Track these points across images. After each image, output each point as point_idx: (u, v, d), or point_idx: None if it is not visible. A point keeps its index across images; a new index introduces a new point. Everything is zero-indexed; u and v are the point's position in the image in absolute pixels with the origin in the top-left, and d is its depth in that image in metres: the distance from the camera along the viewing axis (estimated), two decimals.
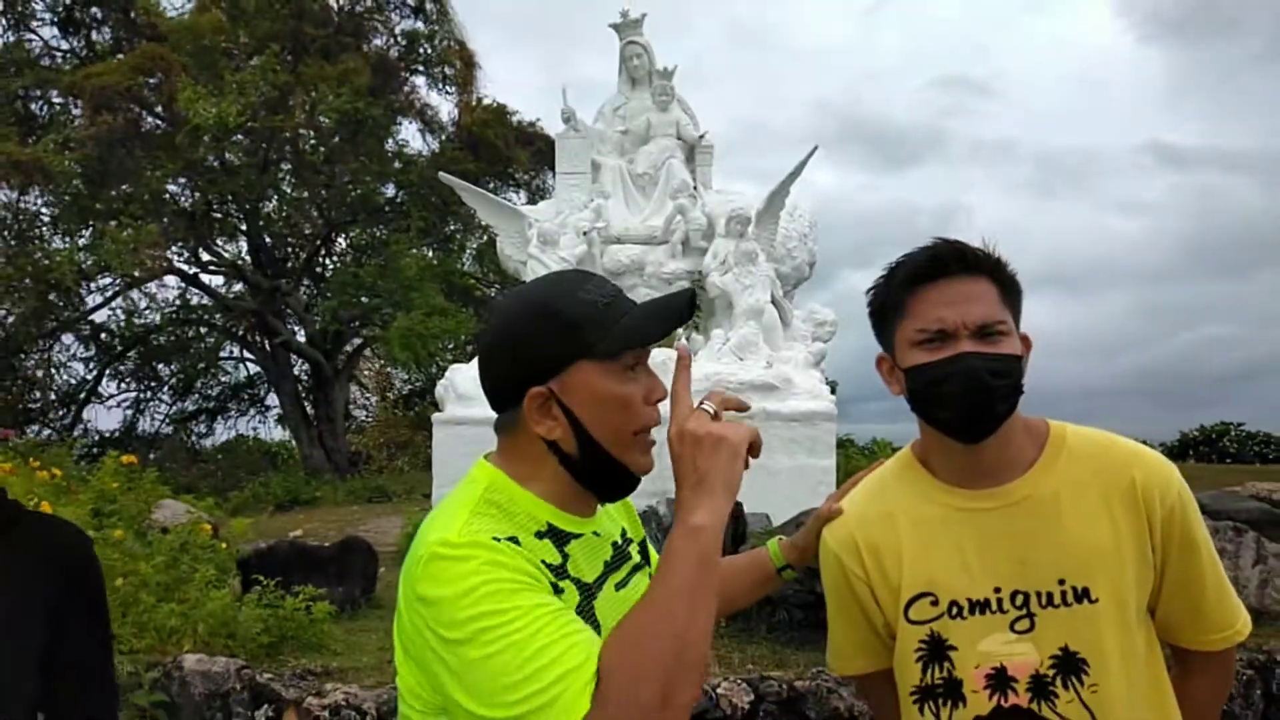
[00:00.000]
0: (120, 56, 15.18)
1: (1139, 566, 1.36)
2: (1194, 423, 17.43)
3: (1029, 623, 1.37)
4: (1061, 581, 1.36)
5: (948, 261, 1.37)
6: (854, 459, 9.89)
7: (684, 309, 1.23)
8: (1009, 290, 1.40)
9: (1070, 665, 1.35)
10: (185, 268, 16.37)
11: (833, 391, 8.24)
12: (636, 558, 1.35)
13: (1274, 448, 15.84)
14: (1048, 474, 1.40)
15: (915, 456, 1.51)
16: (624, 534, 1.36)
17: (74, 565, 1.37)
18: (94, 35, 17.01)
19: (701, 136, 9.68)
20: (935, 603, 1.42)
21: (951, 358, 1.35)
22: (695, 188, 9.31)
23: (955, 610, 1.40)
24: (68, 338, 17.19)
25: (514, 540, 1.12)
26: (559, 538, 1.20)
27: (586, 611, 1.16)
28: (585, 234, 8.75)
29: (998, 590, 1.38)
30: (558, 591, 1.11)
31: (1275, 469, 12.46)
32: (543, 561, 1.12)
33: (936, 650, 1.42)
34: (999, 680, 1.37)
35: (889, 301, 1.43)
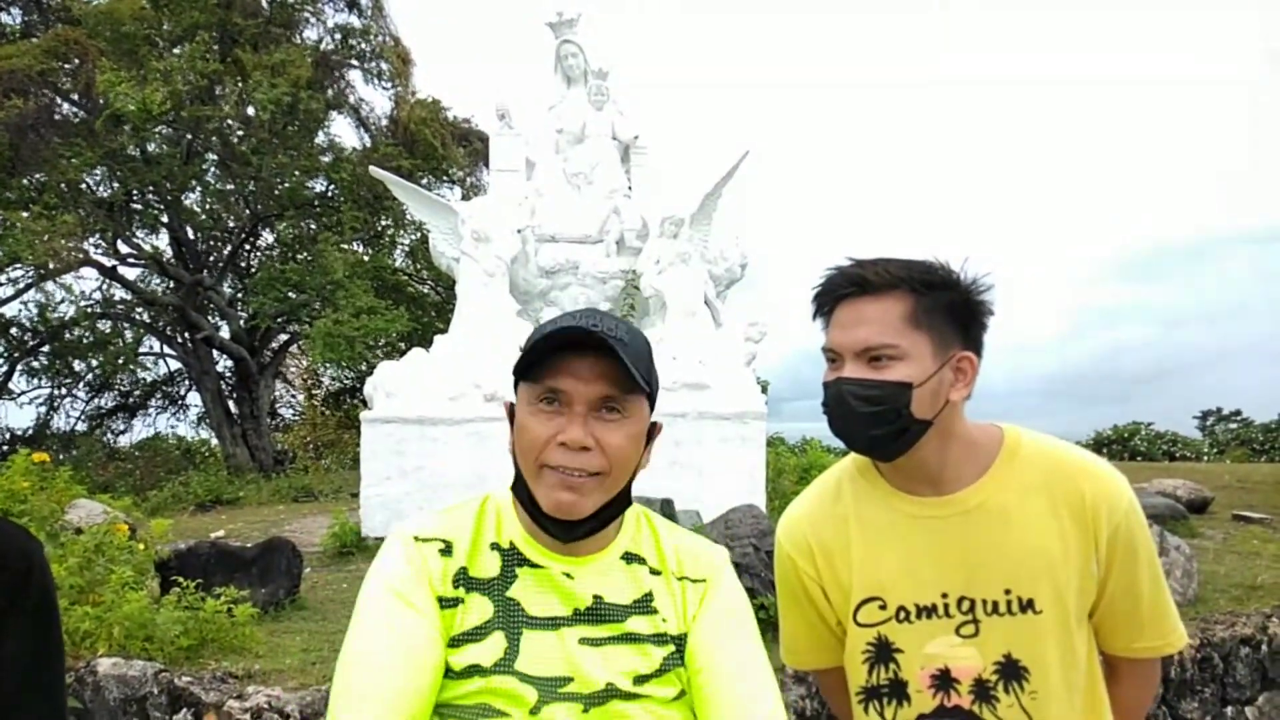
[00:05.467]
0: (34, 39, 14.56)
1: (1082, 578, 1.37)
2: (1108, 422, 18.18)
3: (974, 628, 1.39)
4: (1008, 591, 1.37)
5: (841, 285, 1.39)
6: (784, 456, 10.04)
7: (558, 341, 1.19)
8: (935, 307, 1.36)
9: (1012, 672, 1.38)
10: (103, 260, 15.76)
11: (764, 391, 8.37)
12: (639, 630, 1.24)
13: (1180, 446, 16.58)
14: (1000, 483, 1.41)
15: (869, 462, 1.50)
16: (641, 601, 1.27)
17: (17, 569, 1.27)
18: (3, 16, 16.29)
19: (636, 137, 9.72)
20: (883, 607, 1.43)
21: (829, 381, 1.39)
22: (630, 188, 9.35)
23: (903, 615, 1.42)
24: None
25: (445, 544, 1.24)
26: (516, 559, 1.26)
27: (510, 633, 1.20)
28: (519, 232, 8.72)
29: (944, 595, 1.40)
30: (453, 604, 1.21)
31: (1181, 466, 13.04)
32: (461, 570, 1.23)
33: (883, 652, 1.44)
34: (943, 681, 1.40)
35: (818, 317, 1.45)
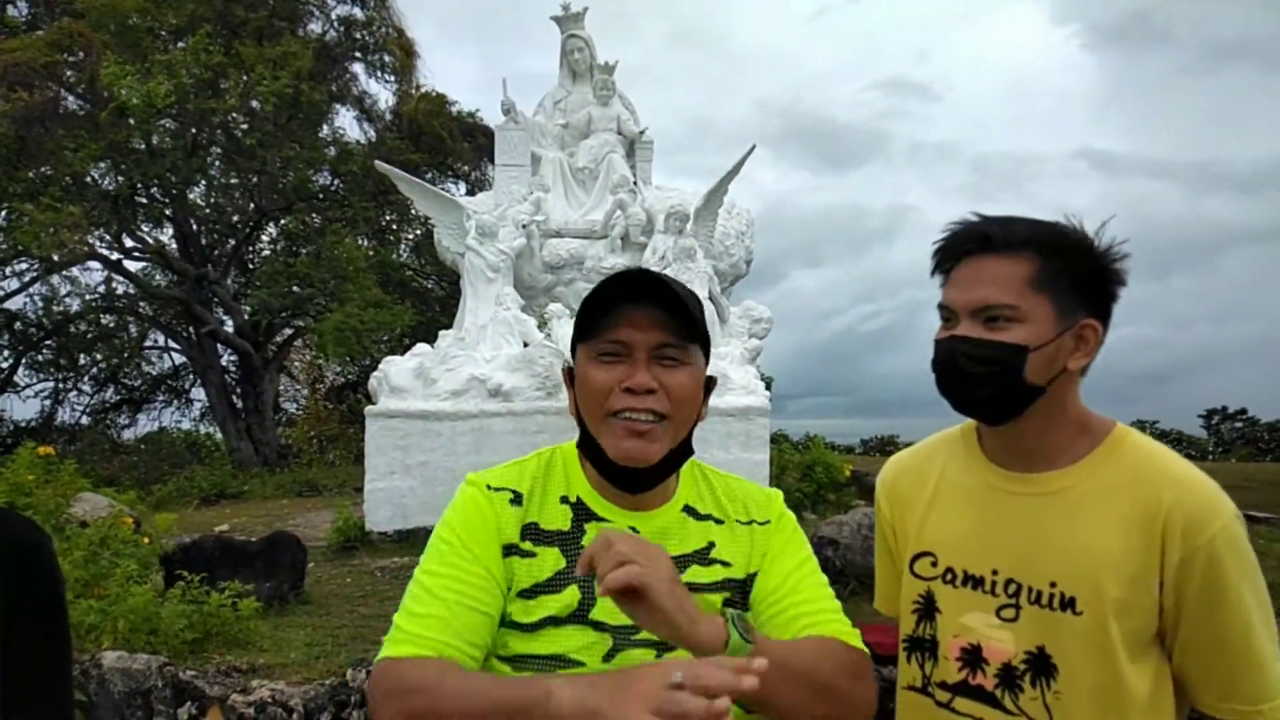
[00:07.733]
0: (40, 32, 14.56)
1: (1137, 594, 1.28)
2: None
3: (1014, 612, 1.35)
4: (1053, 584, 1.32)
5: (965, 242, 1.35)
6: (787, 453, 10.02)
7: (617, 290, 1.25)
8: (1063, 271, 1.30)
9: (1041, 666, 1.33)
10: (108, 253, 15.79)
11: (768, 387, 8.35)
12: (699, 580, 1.29)
13: (1185, 445, 16.56)
14: (1088, 474, 1.34)
15: (974, 428, 1.48)
16: (701, 551, 1.32)
17: (24, 564, 1.25)
18: (8, 9, 16.29)
19: (642, 132, 9.70)
20: (935, 564, 1.44)
21: (940, 339, 1.35)
22: (635, 183, 9.34)
23: (949, 576, 1.42)
24: None
25: (515, 494, 1.30)
26: (585, 513, 1.31)
27: (584, 584, 1.25)
28: (524, 226, 8.71)
29: (995, 572, 1.38)
30: (522, 554, 1.25)
31: None
32: (532, 524, 1.28)
33: (929, 608, 1.45)
34: (972, 657, 1.38)
35: (937, 273, 1.41)
